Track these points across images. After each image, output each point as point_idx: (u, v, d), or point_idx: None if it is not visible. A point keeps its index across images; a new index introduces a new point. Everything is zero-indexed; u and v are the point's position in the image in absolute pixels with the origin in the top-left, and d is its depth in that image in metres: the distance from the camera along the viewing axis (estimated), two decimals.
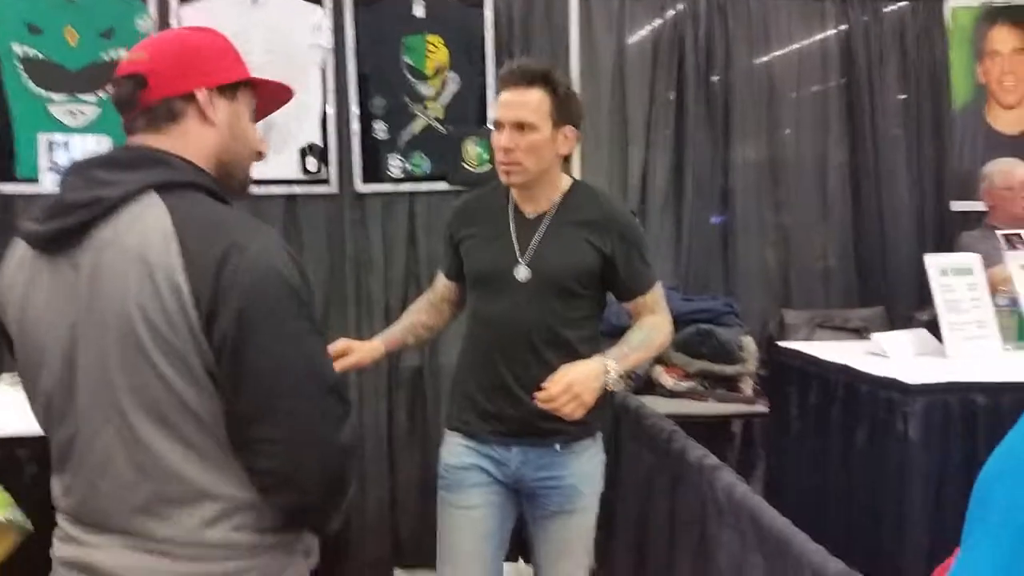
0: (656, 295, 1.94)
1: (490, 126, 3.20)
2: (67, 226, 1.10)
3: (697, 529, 1.99)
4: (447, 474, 2.00)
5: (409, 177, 3.23)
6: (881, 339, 2.52)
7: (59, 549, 1.17)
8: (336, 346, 1.91)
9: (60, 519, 1.18)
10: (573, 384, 1.69)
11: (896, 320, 3.59)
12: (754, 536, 1.71)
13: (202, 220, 1.10)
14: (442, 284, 2.09)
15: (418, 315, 2.10)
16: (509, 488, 1.96)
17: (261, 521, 1.13)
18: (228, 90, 1.20)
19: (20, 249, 1.17)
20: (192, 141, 1.17)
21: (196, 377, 1.06)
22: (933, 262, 2.51)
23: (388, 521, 3.21)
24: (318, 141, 3.16)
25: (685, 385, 3.17)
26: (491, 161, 3.17)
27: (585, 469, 1.95)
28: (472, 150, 3.23)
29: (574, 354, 1.85)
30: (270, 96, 1.30)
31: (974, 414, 2.14)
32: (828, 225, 3.72)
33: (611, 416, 2.09)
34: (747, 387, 3.26)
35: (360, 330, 3.16)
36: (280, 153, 3.10)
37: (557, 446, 1.91)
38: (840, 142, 3.70)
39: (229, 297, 1.04)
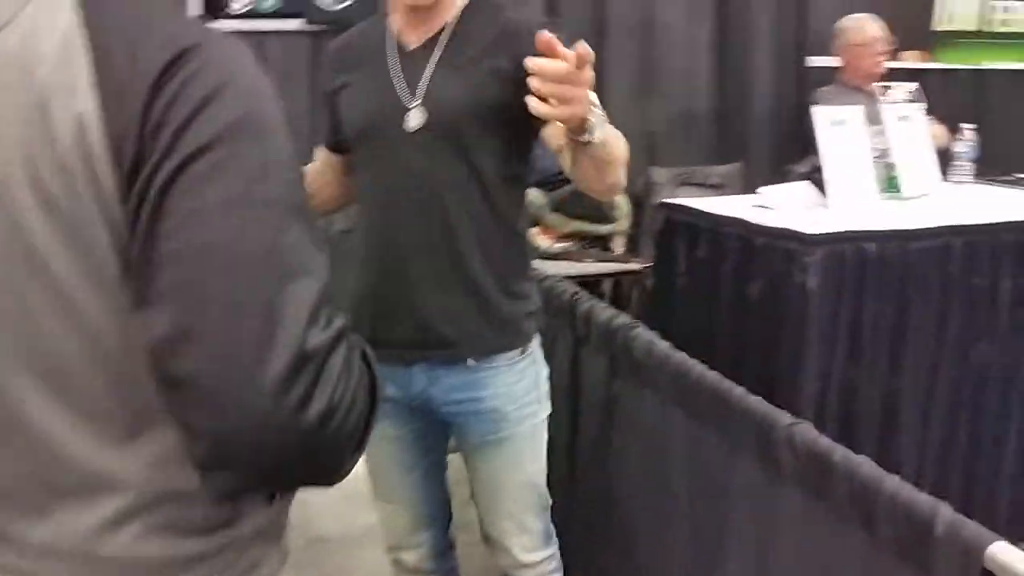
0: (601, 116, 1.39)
1: None
2: None
3: (603, 391, 1.91)
4: None
5: (254, 13, 2.80)
6: (767, 192, 2.50)
7: None
8: None
9: None
10: (586, 75, 1.12)
11: (753, 175, 3.65)
12: (679, 395, 1.65)
13: (132, 10, 0.67)
14: (321, 157, 1.65)
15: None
16: (425, 412, 1.57)
17: (197, 517, 0.71)
18: None
19: None
20: None
21: (102, 269, 0.65)
22: (821, 114, 2.48)
23: None
24: None
25: (560, 246, 3.09)
26: None
27: (512, 388, 1.53)
28: None
29: (495, 226, 1.47)
30: None
31: (864, 262, 2.16)
32: (691, 81, 3.68)
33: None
34: (618, 246, 3.24)
35: None
36: None
37: (470, 360, 1.50)
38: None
39: (170, 125, 0.63)
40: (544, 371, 1.60)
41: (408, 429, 1.58)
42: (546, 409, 1.60)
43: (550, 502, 1.66)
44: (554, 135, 1.36)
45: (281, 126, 0.68)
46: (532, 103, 1.10)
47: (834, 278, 2.11)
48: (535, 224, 3.04)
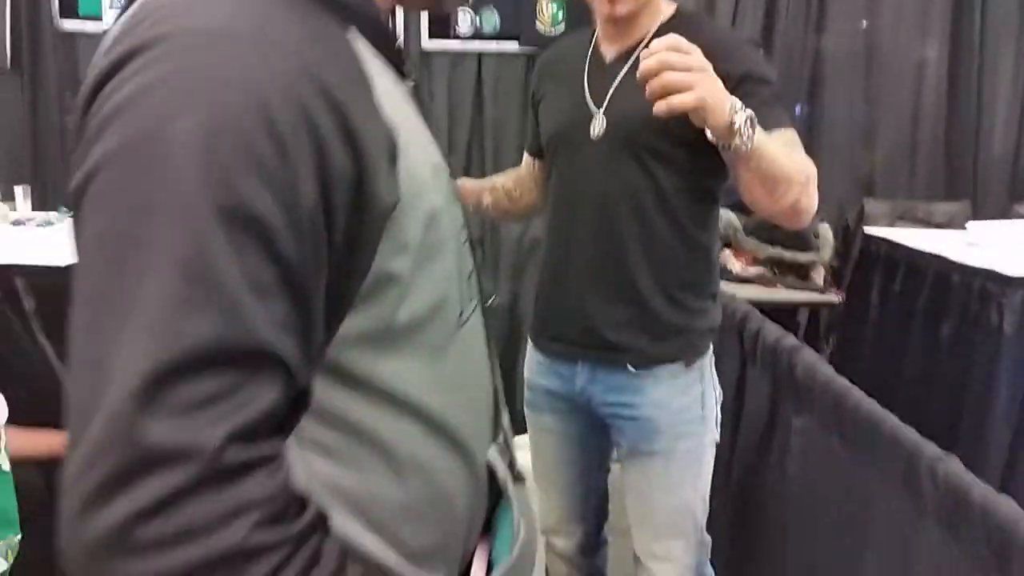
0: (789, 138, 1.34)
1: None
2: None
3: (764, 411, 1.92)
4: (526, 389, 1.69)
5: (478, 35, 3.05)
6: (978, 228, 2.35)
7: None
8: None
9: None
10: (696, 59, 1.10)
11: (982, 216, 3.39)
12: (835, 419, 1.63)
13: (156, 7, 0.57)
14: (525, 161, 1.74)
15: (501, 178, 1.78)
16: (586, 412, 1.58)
17: None
18: None
19: None
20: None
21: None
22: None
23: None
24: None
25: (753, 271, 3.05)
26: (566, 21, 2.98)
27: (670, 400, 1.50)
28: (548, 8, 3.03)
29: (672, 238, 1.46)
30: None
31: None
32: (920, 112, 3.48)
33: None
34: (818, 276, 3.12)
35: None
36: None
37: (630, 366, 1.50)
38: (942, 30, 3.41)
39: (87, 140, 0.54)
40: (713, 393, 1.56)
41: (569, 425, 1.63)
42: (711, 433, 1.56)
43: (709, 542, 1.61)
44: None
45: (240, 163, 0.51)
46: (656, 107, 1.11)
47: None
48: (728, 245, 3.03)
